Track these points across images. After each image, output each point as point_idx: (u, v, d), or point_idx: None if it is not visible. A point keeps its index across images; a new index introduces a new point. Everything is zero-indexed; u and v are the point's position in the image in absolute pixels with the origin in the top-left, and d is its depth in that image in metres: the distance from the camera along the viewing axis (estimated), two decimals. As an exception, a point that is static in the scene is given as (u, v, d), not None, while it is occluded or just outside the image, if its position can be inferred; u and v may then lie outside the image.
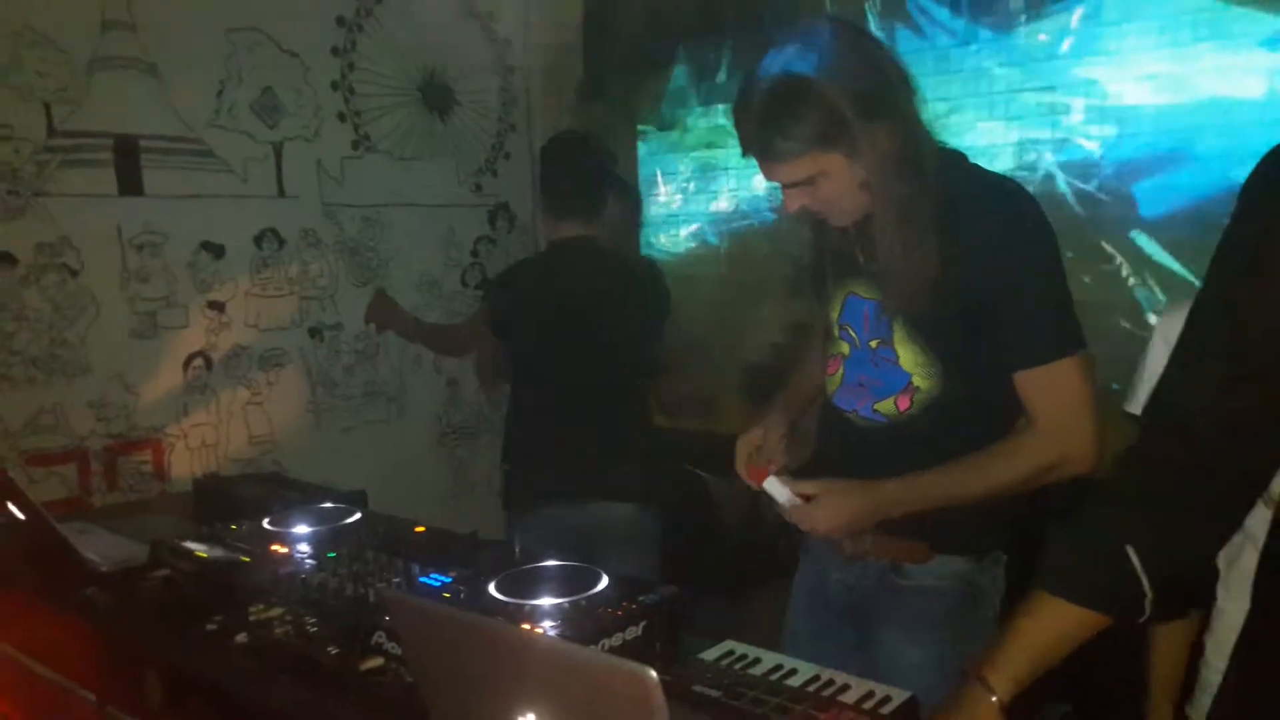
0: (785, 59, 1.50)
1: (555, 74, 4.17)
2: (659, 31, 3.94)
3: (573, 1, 4.11)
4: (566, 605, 1.41)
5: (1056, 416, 1.54)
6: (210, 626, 1.54)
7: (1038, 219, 1.56)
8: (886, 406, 1.68)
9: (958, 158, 1.65)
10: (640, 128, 4.08)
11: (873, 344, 1.69)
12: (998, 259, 1.52)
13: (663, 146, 4.03)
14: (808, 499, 1.64)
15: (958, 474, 1.58)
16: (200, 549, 1.82)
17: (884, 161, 1.52)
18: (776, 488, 1.67)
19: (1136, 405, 1.70)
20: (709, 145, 3.85)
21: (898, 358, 1.65)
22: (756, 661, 1.42)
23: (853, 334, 1.73)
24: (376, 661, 1.38)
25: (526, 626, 1.35)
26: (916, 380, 1.64)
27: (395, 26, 3.70)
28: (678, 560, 2.67)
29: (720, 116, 3.76)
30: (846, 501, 1.62)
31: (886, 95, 1.50)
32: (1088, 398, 1.54)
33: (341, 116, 3.57)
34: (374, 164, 3.67)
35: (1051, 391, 1.54)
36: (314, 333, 3.57)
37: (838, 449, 1.78)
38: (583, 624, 1.36)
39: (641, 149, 4.08)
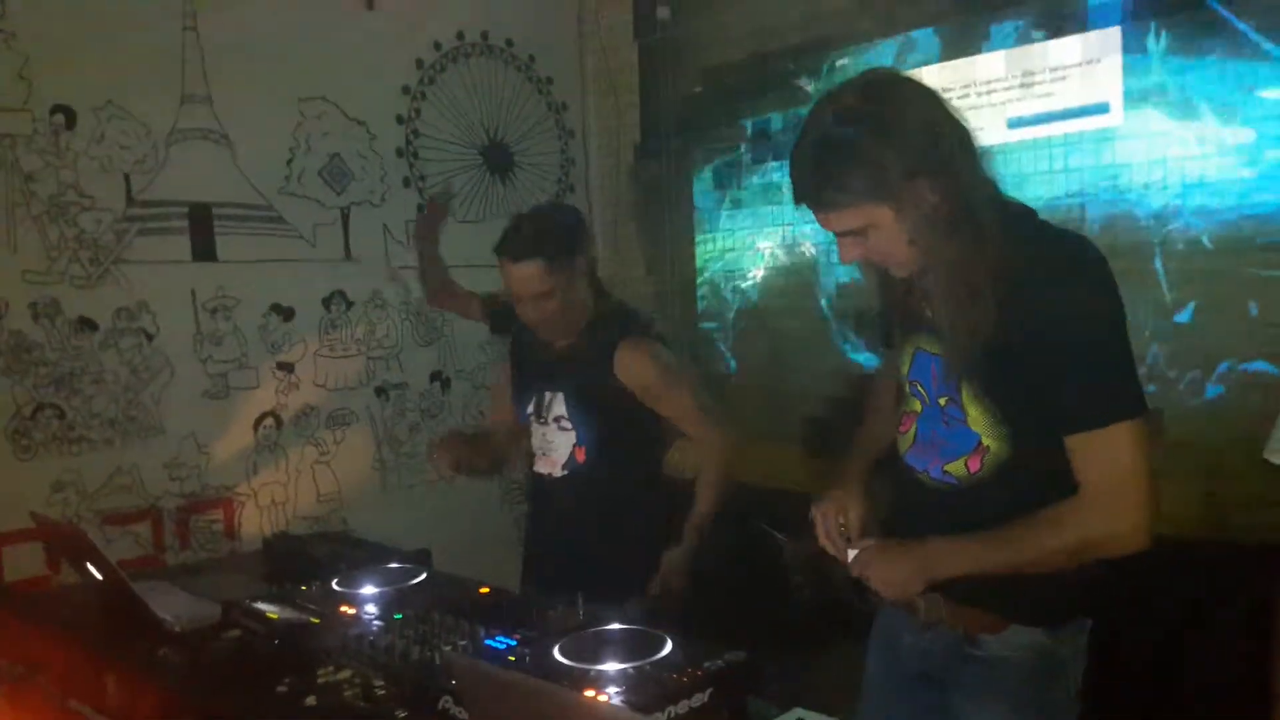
0: (836, 110, 1.51)
1: (613, 136, 4.24)
2: (714, 91, 4.00)
3: (629, 65, 4.19)
4: (631, 670, 1.40)
5: (1105, 487, 1.48)
6: (280, 689, 1.56)
7: (1100, 278, 1.51)
8: (957, 468, 1.64)
9: (1026, 215, 1.61)
10: (697, 185, 4.11)
11: (941, 401, 1.65)
12: (1054, 317, 1.48)
13: (720, 203, 4.05)
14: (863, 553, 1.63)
15: (1003, 540, 1.54)
16: (271, 610, 1.85)
17: (930, 219, 1.50)
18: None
19: (1275, 452, 1.64)
20: (766, 201, 3.87)
21: (966, 417, 1.61)
22: (825, 729, 1.40)
23: (922, 390, 1.70)
24: (443, 726, 1.38)
25: (591, 692, 1.35)
26: (986, 441, 1.60)
27: (458, 94, 3.81)
28: (745, 622, 2.61)
29: (776, 173, 3.78)
30: (896, 558, 1.61)
31: (936, 151, 1.48)
32: (1140, 470, 1.47)
33: (406, 181, 3.67)
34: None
35: (1101, 459, 1.48)
36: (380, 392, 3.63)
37: (909, 510, 1.74)
38: (648, 690, 1.35)
39: (698, 205, 4.12)
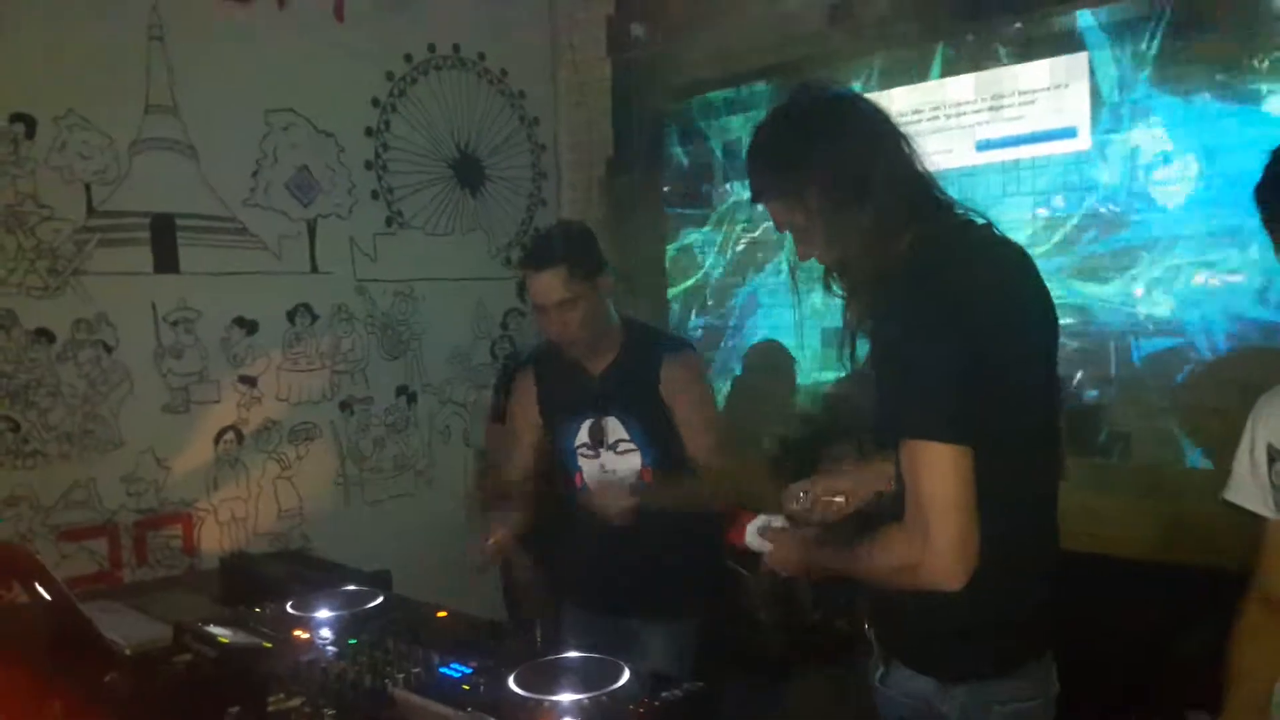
0: (770, 115, 1.66)
1: (585, 150, 4.22)
2: (687, 108, 3.99)
3: (602, 79, 4.17)
4: (587, 702, 1.38)
5: (919, 508, 1.40)
6: (229, 717, 1.52)
7: (954, 296, 1.44)
8: None
9: (958, 230, 1.57)
10: (668, 201, 4.11)
11: None
12: (892, 333, 1.46)
13: (692, 221, 4.05)
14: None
15: (853, 551, 1.56)
16: (223, 633, 1.81)
17: (834, 217, 1.53)
18: (754, 539, 1.78)
19: (1235, 492, 1.64)
20: (738, 220, 3.87)
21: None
22: (782, 763, 1.38)
23: None
24: (393, 759, 1.36)
25: (546, 725, 1.32)
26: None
27: (428, 106, 3.78)
28: (716, 651, 2.54)
29: (748, 191, 3.78)
30: (784, 541, 1.75)
31: (847, 156, 1.52)
32: (942, 498, 1.38)
33: (375, 194, 3.63)
34: (406, 240, 3.71)
35: (910, 477, 1.41)
36: (345, 406, 3.58)
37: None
38: (603, 722, 1.33)
39: (670, 224, 4.11)
